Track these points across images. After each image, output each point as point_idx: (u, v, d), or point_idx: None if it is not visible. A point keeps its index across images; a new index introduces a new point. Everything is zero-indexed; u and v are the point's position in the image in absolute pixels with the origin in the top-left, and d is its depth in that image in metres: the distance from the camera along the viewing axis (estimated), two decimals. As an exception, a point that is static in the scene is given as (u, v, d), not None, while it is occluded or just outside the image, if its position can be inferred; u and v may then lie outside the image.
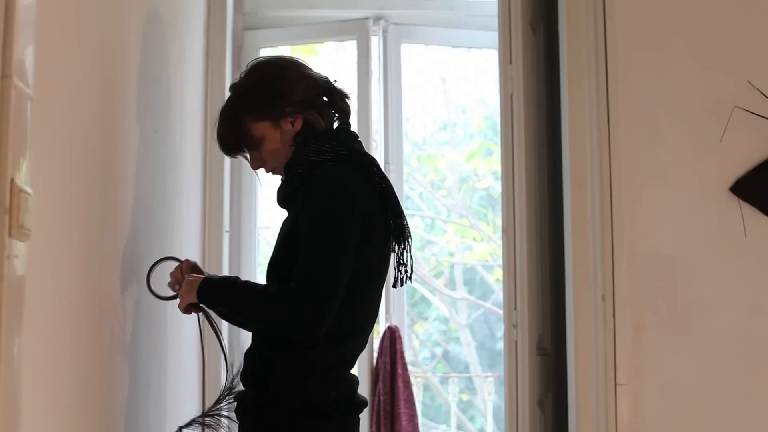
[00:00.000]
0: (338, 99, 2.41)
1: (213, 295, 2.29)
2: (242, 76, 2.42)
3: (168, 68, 3.03)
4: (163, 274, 2.45)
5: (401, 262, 2.37)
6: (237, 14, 4.38)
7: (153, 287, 2.42)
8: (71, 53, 1.96)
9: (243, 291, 2.27)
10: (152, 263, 2.44)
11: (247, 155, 2.42)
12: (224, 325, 3.92)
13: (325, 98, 2.40)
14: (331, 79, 2.43)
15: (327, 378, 2.25)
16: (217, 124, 2.40)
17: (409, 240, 2.38)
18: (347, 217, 2.21)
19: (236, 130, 2.36)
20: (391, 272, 2.40)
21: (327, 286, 2.15)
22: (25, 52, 1.47)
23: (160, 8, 2.88)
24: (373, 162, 2.36)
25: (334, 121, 2.42)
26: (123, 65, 2.44)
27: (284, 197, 2.37)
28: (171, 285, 2.39)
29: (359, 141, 2.41)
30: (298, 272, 2.17)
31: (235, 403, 2.34)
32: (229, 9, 4.14)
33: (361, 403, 2.32)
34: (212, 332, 2.42)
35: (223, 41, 4.04)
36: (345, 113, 2.42)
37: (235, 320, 2.42)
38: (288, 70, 2.39)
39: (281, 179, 2.41)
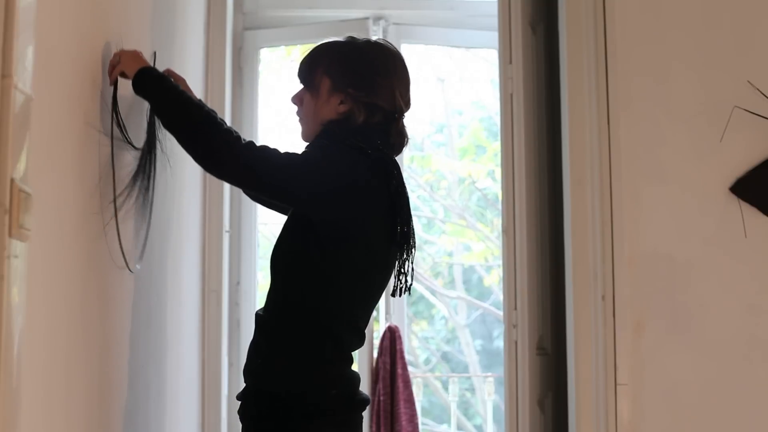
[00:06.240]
0: (395, 133, 2.30)
1: (158, 83, 2.27)
2: (359, 43, 2.32)
3: (168, 68, 3.03)
4: None
5: (402, 271, 2.29)
6: (237, 14, 4.38)
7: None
8: (71, 53, 1.96)
9: (195, 103, 2.26)
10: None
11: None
12: (225, 319, 3.92)
13: (385, 119, 2.28)
14: (406, 112, 2.31)
15: (327, 375, 2.23)
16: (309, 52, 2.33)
17: (413, 250, 2.29)
18: (328, 174, 2.18)
19: (310, 73, 2.30)
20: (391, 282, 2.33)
21: (273, 162, 2.15)
22: (25, 52, 1.47)
23: (160, 8, 2.87)
24: (394, 164, 2.28)
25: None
26: (123, 65, 2.43)
27: None
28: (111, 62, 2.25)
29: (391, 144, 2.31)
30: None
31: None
32: (229, 9, 4.13)
33: (363, 402, 2.30)
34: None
35: (223, 41, 4.03)
36: (391, 147, 2.30)
37: (162, 119, 2.34)
38: (391, 78, 2.29)
39: None
